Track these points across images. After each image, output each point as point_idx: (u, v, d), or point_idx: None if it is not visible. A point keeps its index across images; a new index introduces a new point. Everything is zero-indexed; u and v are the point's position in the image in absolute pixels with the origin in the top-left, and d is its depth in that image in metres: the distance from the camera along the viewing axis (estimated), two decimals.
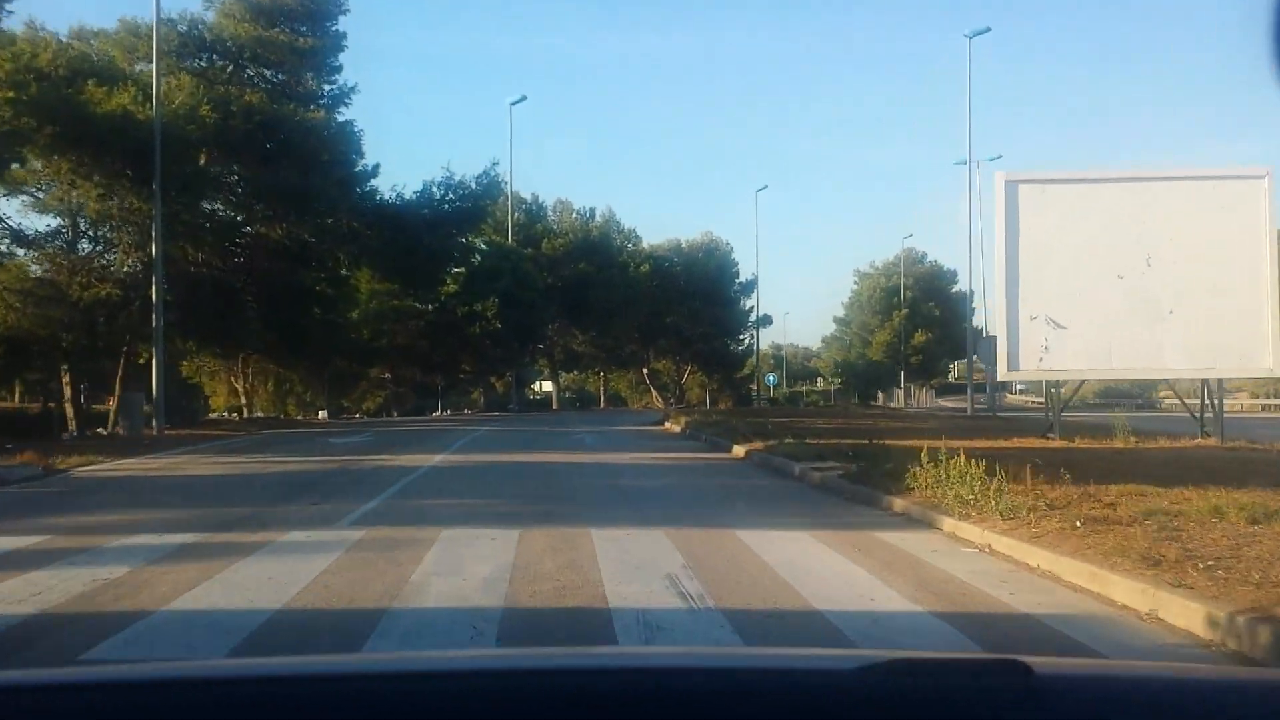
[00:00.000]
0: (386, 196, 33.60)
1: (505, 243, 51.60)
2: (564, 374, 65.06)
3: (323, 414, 39.72)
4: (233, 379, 41.30)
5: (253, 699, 1.62)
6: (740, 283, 65.80)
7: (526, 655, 3.25)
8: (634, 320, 59.20)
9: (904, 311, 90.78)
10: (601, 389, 65.27)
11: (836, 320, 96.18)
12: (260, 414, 40.61)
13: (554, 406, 60.16)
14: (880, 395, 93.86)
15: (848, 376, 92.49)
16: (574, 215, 56.24)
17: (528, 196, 56.02)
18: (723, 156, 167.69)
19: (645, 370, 65.88)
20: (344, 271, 36.26)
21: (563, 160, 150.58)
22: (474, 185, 33.36)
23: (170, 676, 1.87)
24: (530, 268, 50.04)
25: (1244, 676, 2.58)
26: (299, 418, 40.28)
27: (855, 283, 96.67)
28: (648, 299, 59.81)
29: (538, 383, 69.36)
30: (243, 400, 41.00)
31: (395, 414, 47.96)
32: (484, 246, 49.97)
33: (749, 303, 66.81)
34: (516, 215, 54.61)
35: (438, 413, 48.60)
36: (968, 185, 59.00)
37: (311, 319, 34.40)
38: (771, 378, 76.31)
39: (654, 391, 66.88)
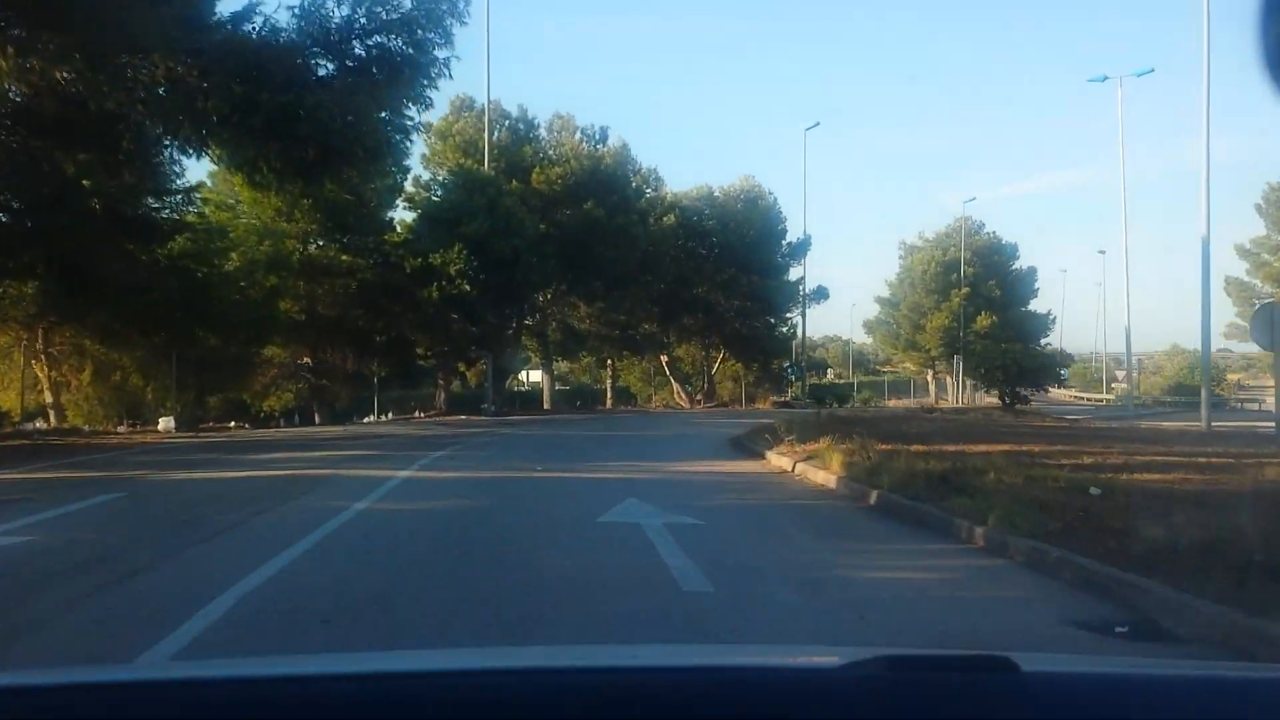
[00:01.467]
0: (248, 30, 17.72)
1: (479, 170, 35.80)
2: (559, 360, 49.12)
3: (165, 424, 23.91)
4: (33, 365, 25.49)
5: (240, 700, 1.59)
6: (788, 244, 50.35)
7: (514, 654, 3.17)
8: (655, 288, 43.70)
9: (964, 290, 75.71)
10: (610, 382, 49.52)
11: (880, 301, 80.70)
12: (84, 423, 24.88)
13: (545, 406, 44.58)
14: (931, 389, 78.70)
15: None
16: (577, 137, 40.28)
17: (512, 109, 40.21)
18: (761, 89, 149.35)
19: (664, 358, 50.20)
20: (180, 160, 20.35)
21: (561, 73, 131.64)
22: (411, 6, 17.65)
23: (175, 678, 1.86)
24: (515, 207, 34.47)
25: (1233, 673, 2.16)
26: (122, 428, 24.56)
27: (901, 256, 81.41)
28: (672, 263, 44.26)
29: (524, 371, 53.78)
30: (47, 400, 25.24)
31: (317, 419, 32.51)
32: (441, 174, 34.33)
33: (796, 271, 51.47)
34: (498, 133, 38.78)
35: (372, 417, 32.85)
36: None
37: (116, 252, 18.73)
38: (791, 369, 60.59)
39: (675, 385, 51.26)
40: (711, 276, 47.12)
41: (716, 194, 49.84)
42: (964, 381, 77.98)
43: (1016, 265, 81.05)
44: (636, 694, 1.60)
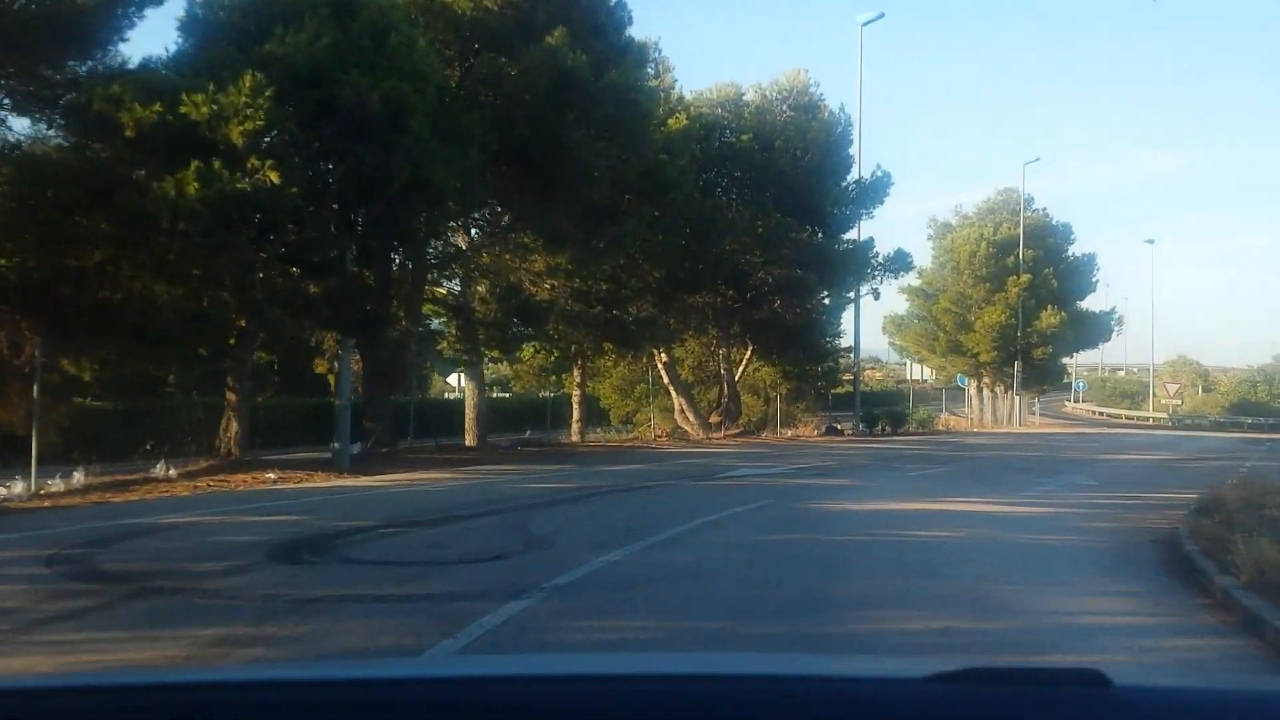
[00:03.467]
0: None
1: None
2: (492, 359, 29.74)
3: None
4: None
5: (238, 705, 1.55)
6: (855, 183, 32.11)
7: (573, 660, 3.15)
8: (658, 230, 25.23)
9: (1024, 278, 58.32)
10: (577, 392, 30.20)
11: (910, 292, 62.64)
12: None
13: (470, 436, 25.73)
14: (975, 403, 60.90)
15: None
16: None
17: None
18: None
19: (662, 357, 31.50)
20: None
21: None
22: None
23: (181, 681, 1.86)
24: (397, 19, 15.96)
25: None
26: None
27: (932, 237, 63.71)
28: (686, 202, 25.69)
29: (456, 376, 33.63)
30: None
31: None
32: None
33: (862, 222, 33.19)
34: None
35: (24, 484, 13.48)
36: None
37: None
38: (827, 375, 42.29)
39: (680, 401, 32.48)
40: (742, 225, 28.72)
41: (748, 95, 31.42)
42: (1017, 395, 60.70)
43: (1070, 252, 63.45)
44: (715, 702, 1.55)
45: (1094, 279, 63.88)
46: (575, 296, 25.99)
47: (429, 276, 22.83)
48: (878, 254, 32.38)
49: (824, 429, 36.74)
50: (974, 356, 58.88)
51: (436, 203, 17.03)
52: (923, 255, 68.09)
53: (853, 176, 32.36)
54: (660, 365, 32.48)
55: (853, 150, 31.91)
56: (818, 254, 31.17)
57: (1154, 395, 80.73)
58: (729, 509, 12.09)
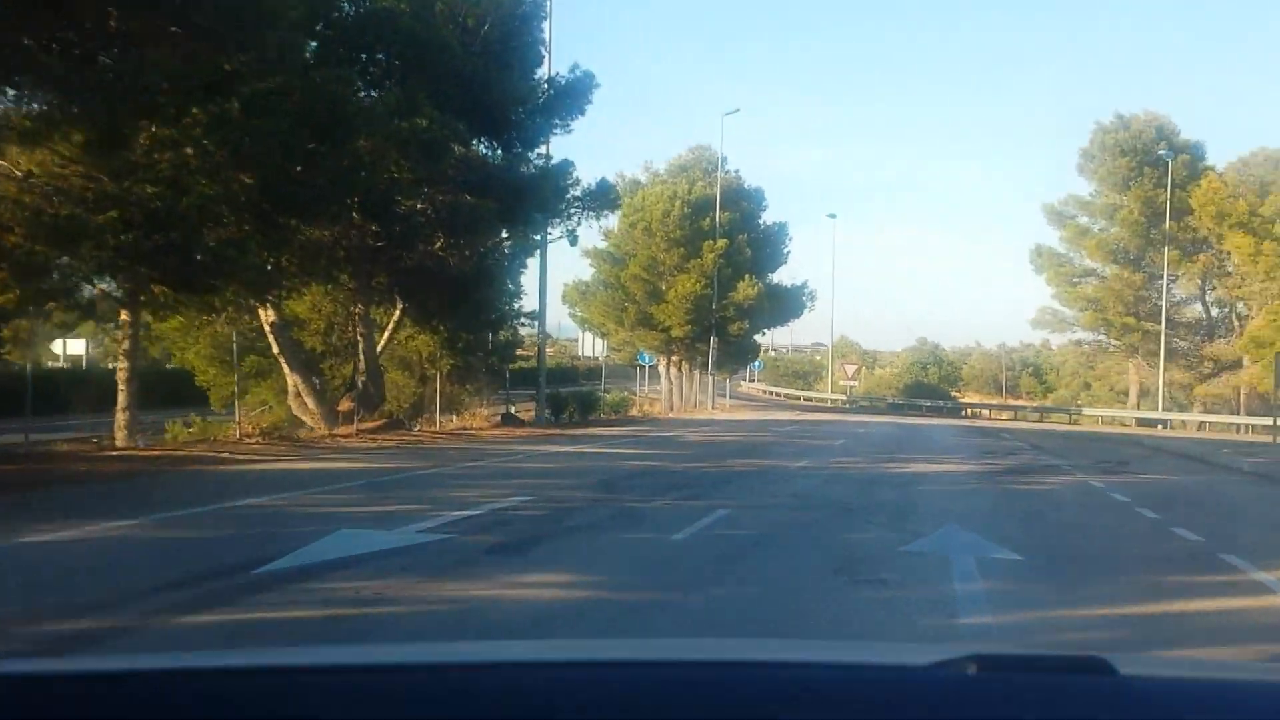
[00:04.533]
0: None
1: None
2: None
3: None
4: None
5: (247, 692, 1.49)
6: (550, 80, 23.15)
7: (571, 646, 2.89)
8: (252, 109, 15.33)
9: (720, 244, 52.91)
10: (123, 361, 18.32)
11: (595, 256, 55.51)
12: None
13: None
14: (667, 384, 54.28)
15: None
16: None
17: None
18: None
19: (270, 316, 21.13)
20: None
21: None
22: None
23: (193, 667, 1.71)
24: None
25: None
26: None
27: (629, 197, 56.74)
28: (289, 48, 15.90)
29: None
30: None
31: None
32: None
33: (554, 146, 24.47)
34: None
35: None
36: None
37: None
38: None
39: (294, 379, 22.29)
40: (384, 121, 19.15)
41: None
42: (711, 375, 54.91)
43: (763, 220, 58.50)
44: (711, 689, 1.51)
45: (785, 250, 59.00)
46: (95, 204, 15.36)
47: None
48: (577, 181, 23.81)
49: (500, 418, 27.94)
50: (665, 330, 52.38)
51: None
52: (609, 216, 60.96)
53: (543, 74, 23.59)
54: (267, 327, 22.22)
55: (544, 31, 23.08)
56: (496, 177, 22.15)
57: (832, 376, 78.66)
58: None
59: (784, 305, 57.92)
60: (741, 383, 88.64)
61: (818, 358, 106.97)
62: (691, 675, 1.58)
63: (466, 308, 23.26)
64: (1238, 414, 50.37)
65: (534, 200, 22.42)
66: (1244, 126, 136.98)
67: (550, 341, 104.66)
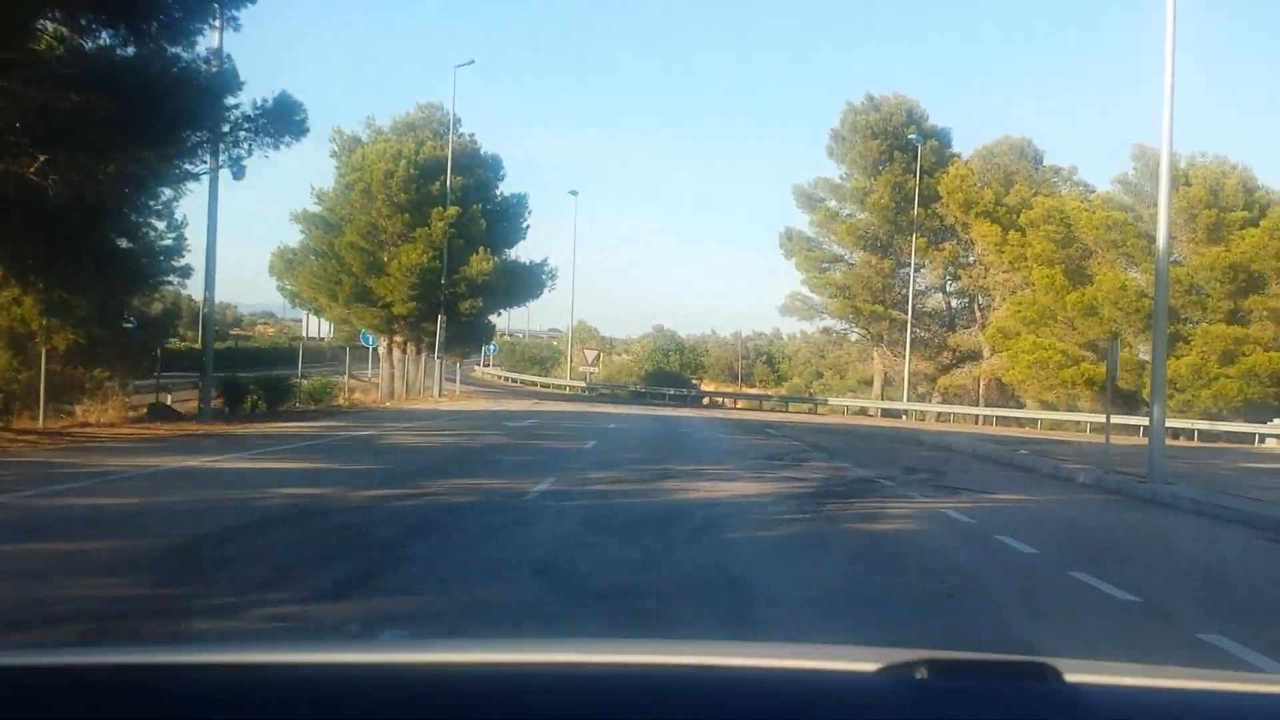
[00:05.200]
0: None
1: None
2: None
3: None
4: None
5: (231, 692, 1.44)
6: None
7: (525, 646, 2.59)
8: None
9: (451, 211, 47.36)
10: None
11: (306, 220, 48.40)
12: None
13: None
14: (388, 366, 47.54)
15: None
16: None
17: None
18: None
19: None
20: None
21: None
22: None
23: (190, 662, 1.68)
24: None
25: None
26: None
27: (335, 153, 50.30)
28: None
29: None
30: None
31: None
32: None
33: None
34: None
35: None
36: None
37: None
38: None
39: None
40: None
41: None
42: (439, 359, 48.64)
43: (500, 190, 52.95)
44: (658, 694, 1.48)
45: (525, 225, 53.44)
46: None
47: None
48: (243, 86, 17.25)
49: (147, 411, 21.03)
50: (387, 307, 45.95)
51: None
52: (325, 176, 53.47)
53: None
54: None
55: None
56: (122, 71, 15.49)
57: (571, 362, 74.22)
58: None
59: (522, 283, 52.34)
60: (475, 367, 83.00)
61: (555, 343, 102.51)
62: (644, 680, 1.54)
63: (76, 258, 16.36)
64: (977, 405, 49.78)
65: (177, 110, 15.85)
66: (987, 114, 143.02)
67: (274, 321, 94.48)
